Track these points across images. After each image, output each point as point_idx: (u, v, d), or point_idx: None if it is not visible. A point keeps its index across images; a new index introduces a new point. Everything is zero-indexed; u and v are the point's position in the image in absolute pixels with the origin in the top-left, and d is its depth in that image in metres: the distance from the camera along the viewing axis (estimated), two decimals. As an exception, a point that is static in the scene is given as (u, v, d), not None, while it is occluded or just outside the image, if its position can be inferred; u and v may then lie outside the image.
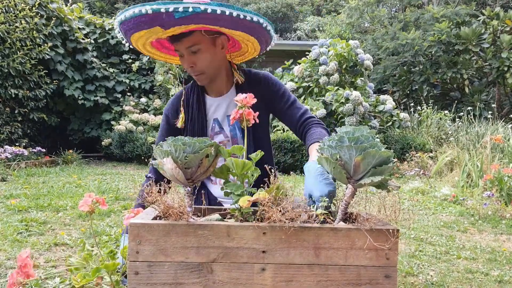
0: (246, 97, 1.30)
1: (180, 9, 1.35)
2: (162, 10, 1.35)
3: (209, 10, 1.37)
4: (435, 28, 9.01)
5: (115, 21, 1.52)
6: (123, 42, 1.65)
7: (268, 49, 1.75)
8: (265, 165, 1.27)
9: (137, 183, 4.59)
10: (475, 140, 6.04)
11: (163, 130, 1.83)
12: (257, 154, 1.29)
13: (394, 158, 1.20)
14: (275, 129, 7.14)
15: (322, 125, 1.72)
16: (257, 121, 1.36)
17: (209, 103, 1.78)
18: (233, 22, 1.44)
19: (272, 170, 1.24)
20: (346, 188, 1.24)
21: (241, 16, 1.42)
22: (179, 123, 1.74)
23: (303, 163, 6.05)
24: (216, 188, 1.80)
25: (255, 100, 1.32)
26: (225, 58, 1.73)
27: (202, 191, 1.67)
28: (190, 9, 1.36)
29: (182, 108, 1.75)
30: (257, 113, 1.35)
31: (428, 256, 2.43)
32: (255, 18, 1.47)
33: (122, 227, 2.78)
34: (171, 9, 1.35)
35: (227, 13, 1.39)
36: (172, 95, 7.82)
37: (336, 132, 1.25)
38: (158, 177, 1.66)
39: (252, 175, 1.28)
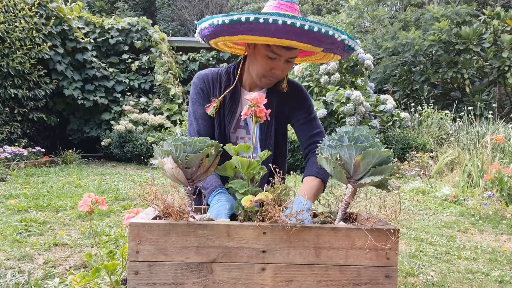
0: (257, 97, 1.30)
1: (306, 27, 1.35)
2: (289, 22, 1.34)
3: (341, 38, 1.43)
4: (435, 28, 9.00)
5: (247, 15, 1.39)
6: (201, 37, 1.61)
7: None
8: (270, 164, 1.27)
9: (137, 183, 4.58)
10: (476, 140, 6.03)
11: (199, 100, 1.75)
12: (264, 154, 1.29)
13: (394, 157, 1.20)
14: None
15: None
16: (269, 118, 1.38)
17: (244, 96, 1.75)
18: (342, 49, 1.49)
19: (276, 170, 1.23)
20: (346, 188, 1.24)
21: (347, 44, 1.47)
22: (211, 111, 1.68)
23: (303, 163, 6.04)
24: None
25: (265, 101, 1.31)
26: None
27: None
28: (333, 33, 1.40)
29: (214, 98, 1.71)
30: (269, 110, 1.34)
31: (428, 256, 2.43)
32: (352, 45, 1.51)
33: (122, 227, 2.78)
34: (298, 24, 1.34)
35: (337, 36, 1.42)
36: (172, 95, 7.83)
37: (336, 132, 1.24)
38: None
39: (259, 173, 1.27)
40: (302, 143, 1.79)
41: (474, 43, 8.86)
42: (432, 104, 8.24)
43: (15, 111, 6.46)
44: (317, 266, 1.13)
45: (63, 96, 7.24)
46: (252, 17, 1.35)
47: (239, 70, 1.74)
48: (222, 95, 1.72)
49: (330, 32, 1.39)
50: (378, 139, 1.19)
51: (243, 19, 1.36)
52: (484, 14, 9.20)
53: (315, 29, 1.35)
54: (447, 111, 7.86)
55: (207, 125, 1.72)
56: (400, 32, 9.63)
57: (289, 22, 1.33)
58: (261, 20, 1.34)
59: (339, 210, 1.25)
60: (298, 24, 1.33)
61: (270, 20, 1.34)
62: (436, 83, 9.61)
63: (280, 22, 1.33)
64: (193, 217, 1.23)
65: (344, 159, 1.18)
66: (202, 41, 1.68)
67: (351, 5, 12.05)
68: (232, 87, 1.72)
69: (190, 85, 1.92)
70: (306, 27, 1.34)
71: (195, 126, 1.72)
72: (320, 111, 6.69)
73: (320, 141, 1.70)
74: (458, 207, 3.87)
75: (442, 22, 8.95)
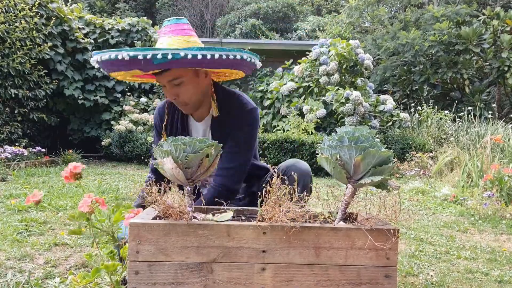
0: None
1: (159, 56, 1.36)
2: (140, 57, 1.37)
3: (189, 56, 1.38)
4: (435, 28, 9.00)
5: (92, 59, 1.54)
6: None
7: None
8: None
9: (137, 183, 4.59)
10: (475, 140, 6.03)
11: (156, 137, 1.89)
12: None
13: (394, 158, 1.20)
14: (275, 129, 7.14)
15: (220, 190, 1.68)
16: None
17: (192, 125, 1.81)
18: (216, 62, 1.45)
19: (275, 170, 1.24)
20: (346, 188, 1.24)
21: (224, 57, 1.43)
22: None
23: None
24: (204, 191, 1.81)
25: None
26: (210, 83, 1.72)
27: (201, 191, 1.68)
28: (169, 56, 1.37)
29: (164, 133, 1.79)
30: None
31: (428, 256, 2.43)
32: (238, 56, 1.48)
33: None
34: (149, 56, 1.36)
35: (209, 56, 1.40)
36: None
37: (336, 132, 1.25)
38: (158, 177, 1.67)
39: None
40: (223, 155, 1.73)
41: (474, 43, 8.86)
42: (432, 104, 8.24)
43: (16, 111, 6.46)
44: (317, 266, 1.14)
45: (64, 96, 7.25)
46: (101, 57, 1.48)
47: None
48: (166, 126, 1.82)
49: (139, 55, 1.38)
50: (378, 139, 1.19)
51: (99, 59, 1.50)
52: (483, 14, 9.21)
53: (148, 56, 1.37)
54: (446, 111, 7.86)
55: None
56: (400, 32, 9.63)
57: (123, 57, 1.40)
58: (103, 58, 1.47)
59: (339, 210, 1.26)
60: (113, 56, 1.42)
61: (112, 56, 1.43)
62: (436, 83, 9.61)
63: (120, 57, 1.40)
64: (195, 217, 1.24)
65: (344, 159, 1.19)
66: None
67: (351, 5, 12.06)
68: (178, 117, 1.79)
69: None
70: (140, 57, 1.38)
71: (151, 163, 1.82)
72: (320, 111, 6.69)
73: (222, 177, 1.70)
74: (457, 207, 3.87)
75: (444, 23, 8.94)
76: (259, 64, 1.64)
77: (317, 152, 1.28)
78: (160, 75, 1.56)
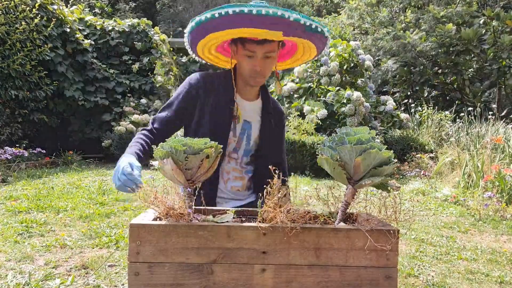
0: None
1: (313, 26, 1.50)
2: (302, 22, 1.46)
3: (319, 29, 1.53)
4: (438, 30, 8.99)
5: (211, 13, 1.49)
6: (187, 43, 1.69)
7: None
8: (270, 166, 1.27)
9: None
10: (476, 140, 6.03)
11: (180, 102, 1.74)
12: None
13: (394, 158, 1.20)
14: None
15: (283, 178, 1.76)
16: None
17: (239, 103, 1.81)
18: (303, 31, 1.54)
19: (276, 171, 1.23)
20: (347, 189, 1.24)
21: (325, 34, 1.57)
22: (237, 111, 1.74)
23: (304, 163, 6.04)
24: (222, 185, 1.80)
25: None
26: None
27: (202, 191, 1.67)
28: (319, 29, 1.52)
29: (236, 97, 1.77)
30: None
31: (429, 256, 2.43)
32: (320, 29, 1.57)
33: (122, 228, 2.78)
34: (308, 23, 1.47)
35: (319, 29, 1.53)
36: (171, 96, 7.84)
37: (337, 133, 1.25)
38: (157, 137, 1.65)
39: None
40: (269, 159, 1.82)
41: (474, 44, 8.86)
42: (432, 105, 8.24)
43: (16, 113, 6.46)
44: (317, 267, 1.14)
45: (64, 97, 7.25)
46: (209, 15, 1.46)
47: (234, 78, 1.80)
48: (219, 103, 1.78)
49: (279, 13, 1.43)
50: (379, 140, 1.19)
51: (203, 18, 1.49)
52: (484, 15, 9.20)
53: (263, 12, 1.41)
54: (447, 112, 7.86)
55: (168, 129, 1.73)
56: (400, 32, 9.62)
57: (237, 10, 1.42)
58: (216, 15, 1.45)
59: (339, 211, 1.26)
60: (246, 10, 1.41)
61: (223, 13, 1.44)
62: (436, 84, 9.61)
63: (230, 12, 1.43)
64: (195, 218, 1.24)
65: (345, 160, 1.19)
66: (190, 50, 1.75)
67: (352, 6, 12.05)
68: (228, 92, 1.78)
69: None
70: (254, 12, 1.41)
71: (164, 115, 1.72)
72: (320, 112, 6.69)
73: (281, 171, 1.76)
74: (458, 208, 3.87)
75: (448, 26, 8.94)
76: (323, 29, 1.65)
77: (317, 153, 1.28)
78: (262, 44, 1.60)
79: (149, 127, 1.70)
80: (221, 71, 1.86)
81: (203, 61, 1.84)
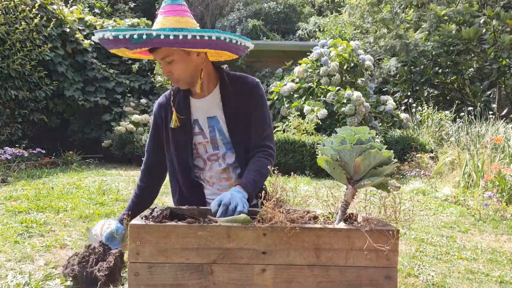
0: None
1: (136, 36, 1.50)
2: (120, 37, 1.52)
3: (162, 36, 1.49)
4: (441, 30, 8.98)
5: (93, 37, 1.71)
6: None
7: (247, 52, 1.81)
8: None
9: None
10: (476, 140, 6.03)
11: (151, 134, 1.91)
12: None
13: (394, 158, 1.20)
14: (275, 130, 7.13)
15: (268, 158, 1.77)
16: None
17: (192, 104, 1.83)
18: (189, 42, 1.53)
19: (275, 171, 1.25)
20: (347, 189, 1.24)
21: (197, 37, 1.51)
22: (173, 124, 1.77)
23: (304, 163, 6.04)
24: (208, 191, 1.84)
25: None
26: (203, 62, 1.75)
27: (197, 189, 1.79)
28: (144, 36, 1.50)
29: (173, 108, 1.79)
30: None
31: (429, 256, 2.43)
32: (214, 37, 1.54)
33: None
34: (127, 36, 1.51)
35: (181, 37, 1.49)
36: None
37: (336, 133, 1.24)
38: (150, 185, 1.91)
39: None
40: (252, 141, 1.81)
41: (474, 43, 8.85)
42: (432, 105, 8.24)
43: (16, 113, 6.46)
44: (317, 267, 1.14)
45: (64, 97, 7.24)
46: (101, 35, 1.57)
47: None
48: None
49: (154, 34, 1.48)
50: (379, 140, 1.19)
51: (101, 36, 1.57)
52: (484, 14, 9.19)
53: (127, 36, 1.50)
54: (447, 112, 7.86)
55: (154, 157, 1.89)
56: (401, 31, 9.61)
57: (108, 37, 1.54)
58: (96, 37, 1.60)
59: (339, 210, 1.25)
60: (121, 36, 1.51)
61: (100, 36, 1.56)
62: (436, 83, 9.61)
63: (105, 36, 1.54)
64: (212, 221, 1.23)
65: (345, 160, 1.19)
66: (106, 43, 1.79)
67: (353, 4, 12.03)
68: (181, 97, 1.82)
69: None
70: (121, 36, 1.51)
71: (145, 161, 1.92)
72: (321, 112, 6.69)
73: (263, 147, 1.79)
74: (458, 208, 3.86)
75: (451, 26, 8.93)
76: (244, 44, 1.67)
77: (317, 153, 1.28)
78: (153, 52, 1.67)
79: (140, 175, 1.92)
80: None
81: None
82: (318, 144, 5.97)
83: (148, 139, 1.92)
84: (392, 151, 1.19)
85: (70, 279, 1.78)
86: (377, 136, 6.65)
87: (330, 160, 1.19)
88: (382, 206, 1.23)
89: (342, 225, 1.21)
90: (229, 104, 1.79)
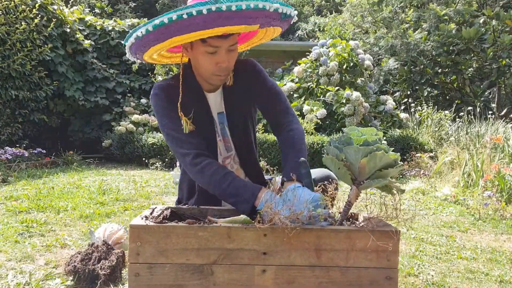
0: None
1: (288, 12, 1.39)
2: (280, 10, 1.35)
3: (292, 14, 1.43)
4: (441, 29, 8.98)
5: (152, 24, 1.30)
6: (130, 52, 1.52)
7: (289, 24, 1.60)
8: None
9: (137, 184, 4.59)
10: (475, 140, 6.03)
11: (172, 114, 1.56)
12: None
13: (400, 161, 1.18)
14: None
15: (295, 130, 1.67)
16: None
17: (207, 97, 1.65)
18: (279, 19, 1.44)
19: (274, 172, 1.23)
20: (351, 190, 1.24)
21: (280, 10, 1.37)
22: (187, 129, 1.53)
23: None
24: None
25: None
26: None
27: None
28: (293, 13, 1.42)
29: (181, 113, 1.55)
30: None
31: (428, 256, 2.44)
32: (291, 13, 1.46)
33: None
34: (284, 11, 1.37)
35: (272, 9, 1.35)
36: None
37: (336, 133, 1.25)
38: (201, 151, 1.52)
39: None
40: (272, 122, 1.71)
41: (474, 43, 8.85)
42: (432, 104, 8.24)
43: (16, 113, 6.46)
44: (318, 268, 1.14)
45: (64, 97, 7.25)
46: (174, 16, 1.25)
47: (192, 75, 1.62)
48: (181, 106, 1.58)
49: (260, 5, 1.28)
50: (385, 142, 1.18)
51: (166, 20, 1.26)
52: (484, 14, 9.19)
53: (243, 6, 1.25)
54: (446, 112, 7.86)
55: (196, 134, 1.55)
56: (402, 32, 9.61)
57: (213, 8, 1.22)
58: (185, 16, 1.24)
59: (342, 210, 1.26)
60: (224, 8, 1.23)
61: (194, 13, 1.23)
62: (436, 83, 9.61)
63: (204, 11, 1.22)
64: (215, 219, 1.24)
65: (350, 160, 1.18)
66: (136, 60, 1.58)
67: (353, 3, 12.02)
68: (193, 93, 1.62)
69: None
70: (233, 8, 1.23)
71: (189, 147, 1.51)
72: (320, 112, 6.69)
73: (288, 117, 1.68)
74: (458, 207, 3.87)
75: (451, 25, 8.93)
76: (294, 14, 1.51)
77: (323, 152, 1.28)
78: (226, 38, 1.44)
79: (198, 159, 1.48)
80: (168, 79, 1.65)
81: (143, 62, 1.64)
82: (317, 143, 5.97)
83: (171, 122, 1.56)
84: (398, 154, 1.17)
85: (71, 277, 1.79)
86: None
87: (335, 159, 1.19)
88: (382, 204, 1.23)
89: (344, 224, 1.21)
90: (228, 97, 1.66)
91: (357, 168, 1.17)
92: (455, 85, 9.83)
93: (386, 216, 1.22)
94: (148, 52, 1.47)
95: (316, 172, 1.68)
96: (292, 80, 7.79)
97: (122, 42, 8.48)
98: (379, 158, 1.14)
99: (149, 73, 8.11)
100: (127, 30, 8.24)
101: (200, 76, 1.62)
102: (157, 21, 1.28)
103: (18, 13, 6.30)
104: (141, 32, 1.33)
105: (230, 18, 1.28)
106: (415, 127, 7.51)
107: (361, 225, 1.22)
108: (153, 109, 1.63)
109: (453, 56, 9.12)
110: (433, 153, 6.35)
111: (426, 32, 9.50)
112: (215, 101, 1.67)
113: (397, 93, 9.98)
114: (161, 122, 1.59)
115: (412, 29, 10.20)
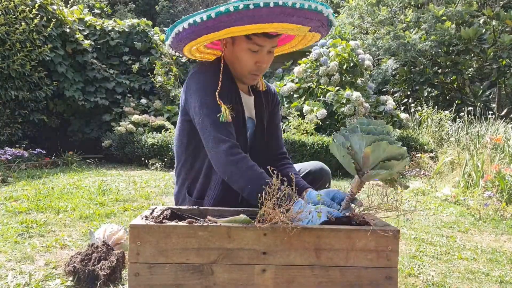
0: None
1: (333, 20, 1.40)
2: (330, 17, 1.39)
3: (334, 22, 1.44)
4: (437, 28, 8.99)
5: (214, 11, 1.27)
6: (169, 44, 1.49)
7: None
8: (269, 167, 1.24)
9: (137, 184, 4.59)
10: (476, 140, 6.03)
11: (215, 108, 1.49)
12: None
13: (407, 157, 1.16)
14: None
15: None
16: None
17: (243, 98, 1.65)
18: (326, 26, 1.46)
19: (275, 172, 1.22)
20: (354, 178, 1.23)
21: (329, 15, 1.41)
22: (225, 117, 1.46)
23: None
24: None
25: None
26: None
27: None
28: (333, 20, 1.43)
29: (220, 101, 1.48)
30: None
31: (429, 256, 2.43)
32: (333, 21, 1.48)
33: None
34: (330, 17, 1.39)
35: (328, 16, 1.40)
36: (172, 97, 7.83)
37: (337, 132, 1.25)
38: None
39: None
40: (272, 149, 1.76)
41: (474, 43, 8.85)
42: (432, 105, 8.24)
43: (16, 113, 6.46)
44: (317, 267, 1.14)
45: (64, 97, 7.25)
46: (241, 5, 1.24)
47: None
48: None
49: (319, 8, 1.31)
50: (395, 136, 1.18)
51: (231, 9, 1.26)
52: (484, 14, 9.20)
53: (306, 5, 1.27)
54: (447, 112, 7.86)
55: (232, 126, 1.52)
56: (400, 32, 9.62)
57: (280, 2, 1.24)
58: (251, 6, 1.24)
59: (344, 199, 1.25)
60: (290, 3, 1.24)
61: (261, 4, 1.24)
62: (436, 83, 9.61)
63: (271, 4, 1.23)
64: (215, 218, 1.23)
65: (355, 149, 1.18)
66: (172, 51, 1.54)
67: (351, 5, 12.04)
68: (232, 89, 1.60)
69: None
70: (298, 5, 1.25)
71: (228, 131, 1.47)
72: (320, 112, 6.69)
73: (286, 155, 1.77)
74: (458, 207, 3.87)
75: (447, 23, 8.93)
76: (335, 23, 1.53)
77: (331, 140, 1.29)
78: (271, 38, 1.46)
79: (235, 150, 1.43)
80: (208, 68, 1.59)
81: (177, 54, 1.62)
82: (318, 144, 5.97)
83: (214, 109, 1.47)
84: (405, 148, 1.16)
85: (71, 278, 1.79)
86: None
87: (340, 146, 1.18)
88: (384, 195, 1.22)
89: (343, 225, 1.21)
90: (259, 107, 1.70)
91: (361, 158, 1.17)
92: (455, 85, 9.83)
93: (387, 207, 1.21)
94: (198, 40, 1.42)
95: (310, 164, 1.77)
96: (292, 80, 7.79)
97: (122, 42, 8.40)
98: (383, 149, 1.12)
99: (149, 74, 8.11)
100: (127, 30, 8.24)
101: (235, 72, 1.61)
102: (222, 8, 1.27)
103: (18, 13, 6.30)
104: (201, 17, 1.31)
105: (291, 15, 1.29)
106: (415, 127, 7.51)
107: (361, 212, 1.22)
108: (193, 87, 1.54)
109: (452, 56, 9.12)
110: (433, 153, 6.35)
111: (424, 32, 9.51)
112: (247, 104, 1.68)
113: (397, 93, 9.99)
114: (201, 100, 1.49)
115: (411, 29, 10.21)
